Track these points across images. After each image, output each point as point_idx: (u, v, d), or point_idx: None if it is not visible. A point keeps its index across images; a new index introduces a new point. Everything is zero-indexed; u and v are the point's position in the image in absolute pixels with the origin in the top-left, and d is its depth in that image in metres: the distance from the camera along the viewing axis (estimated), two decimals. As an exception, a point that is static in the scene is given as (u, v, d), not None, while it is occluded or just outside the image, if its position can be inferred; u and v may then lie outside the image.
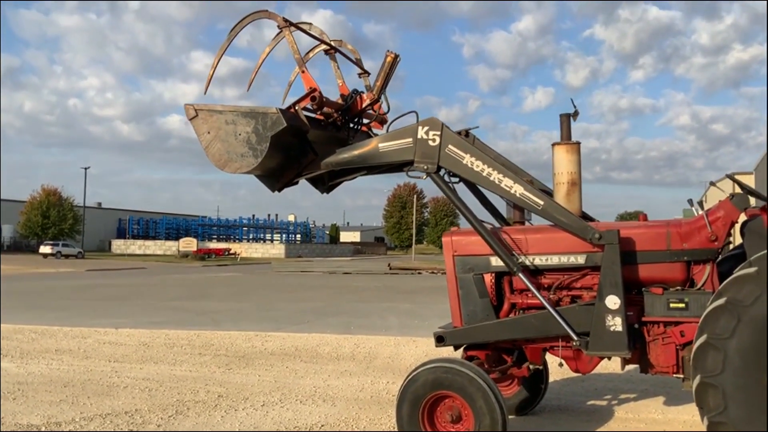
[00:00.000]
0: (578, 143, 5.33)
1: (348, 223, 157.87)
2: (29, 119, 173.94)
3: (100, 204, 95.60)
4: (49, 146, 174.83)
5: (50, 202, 72.77)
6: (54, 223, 71.56)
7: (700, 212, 4.86)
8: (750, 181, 37.29)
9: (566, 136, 5.36)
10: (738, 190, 4.92)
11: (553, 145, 5.37)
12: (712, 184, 5.57)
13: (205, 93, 5.65)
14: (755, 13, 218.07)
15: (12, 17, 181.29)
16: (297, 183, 5.79)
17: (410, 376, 4.82)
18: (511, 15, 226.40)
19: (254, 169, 5.23)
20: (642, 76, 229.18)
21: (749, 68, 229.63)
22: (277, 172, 5.59)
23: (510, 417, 5.45)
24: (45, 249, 63.87)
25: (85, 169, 78.61)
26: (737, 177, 5.30)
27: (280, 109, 5.08)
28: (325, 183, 5.81)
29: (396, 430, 4.88)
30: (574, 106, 5.36)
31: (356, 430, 5.76)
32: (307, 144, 5.40)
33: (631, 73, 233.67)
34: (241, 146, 5.14)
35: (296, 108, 5.27)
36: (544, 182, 5.64)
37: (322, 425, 5.90)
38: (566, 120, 5.37)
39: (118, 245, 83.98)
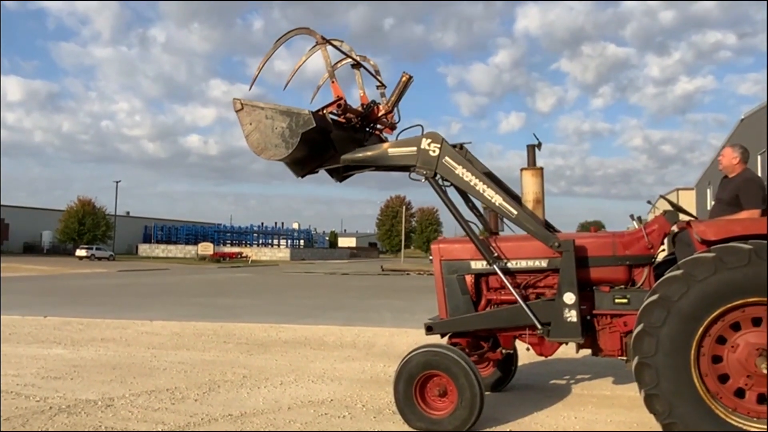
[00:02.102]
0: (541, 168, 5.66)
1: (345, 230, 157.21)
2: (67, 138, 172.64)
3: (128, 213, 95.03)
4: (84, 162, 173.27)
5: (85, 211, 72.34)
6: (89, 229, 71.13)
7: (639, 225, 5.21)
8: (691, 196, 37.71)
9: (532, 163, 5.69)
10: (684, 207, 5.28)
11: (522, 170, 5.69)
12: (662, 196, 5.86)
13: (249, 90, 5.96)
14: (699, 50, 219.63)
15: (53, 49, 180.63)
16: (317, 172, 6.02)
17: (405, 359, 5.08)
18: (489, 50, 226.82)
19: (284, 158, 5.47)
20: (601, 103, 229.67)
21: (693, 97, 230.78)
22: (302, 162, 5.82)
23: (486, 393, 5.76)
24: (81, 252, 63.33)
25: (116, 182, 78.37)
26: (668, 196, 5.66)
27: (311, 112, 5.34)
28: (340, 174, 6.09)
29: (393, 403, 5.14)
30: (538, 139, 5.71)
31: (360, 403, 6.01)
32: (329, 141, 5.64)
33: (592, 100, 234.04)
34: (276, 138, 5.38)
35: (324, 112, 5.54)
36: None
37: (331, 399, 6.14)
38: (532, 150, 5.71)
39: (144, 249, 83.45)
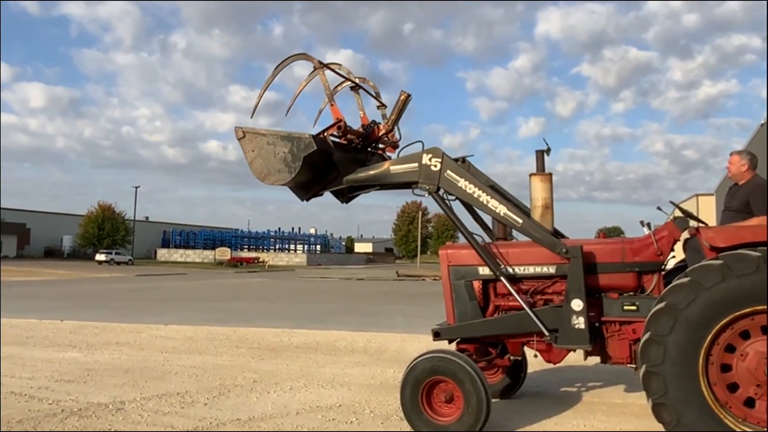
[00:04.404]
0: (550, 174, 5.62)
1: (361, 235, 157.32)
2: (88, 144, 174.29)
3: (147, 218, 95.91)
4: (105, 167, 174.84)
5: (105, 216, 73.28)
6: (108, 234, 72.03)
7: (648, 232, 5.16)
8: (711, 201, 37.20)
9: (541, 168, 5.66)
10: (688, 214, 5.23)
11: (530, 175, 5.66)
12: (672, 203, 5.80)
13: (251, 117, 6.02)
14: (723, 53, 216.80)
15: (76, 55, 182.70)
16: (322, 194, 6.09)
17: (411, 365, 5.07)
18: (509, 54, 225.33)
19: (288, 182, 5.53)
20: (623, 108, 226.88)
21: (717, 102, 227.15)
22: (306, 185, 5.89)
23: (495, 400, 5.73)
24: (100, 257, 64.29)
25: (136, 187, 79.05)
26: (687, 202, 5.62)
27: (312, 135, 5.41)
28: (345, 195, 6.15)
29: (401, 409, 5.12)
30: (547, 144, 5.68)
31: (368, 409, 6.03)
32: (332, 163, 5.70)
33: (613, 105, 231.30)
34: (278, 163, 5.46)
35: (325, 134, 5.61)
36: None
37: (340, 405, 6.15)
38: (541, 155, 5.67)
39: (163, 254, 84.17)
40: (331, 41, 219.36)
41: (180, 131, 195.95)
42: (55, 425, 5.34)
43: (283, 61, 5.84)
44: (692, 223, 5.12)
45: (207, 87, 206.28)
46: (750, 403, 4.19)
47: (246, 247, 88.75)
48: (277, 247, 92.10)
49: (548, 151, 5.70)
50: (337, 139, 5.77)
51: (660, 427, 4.37)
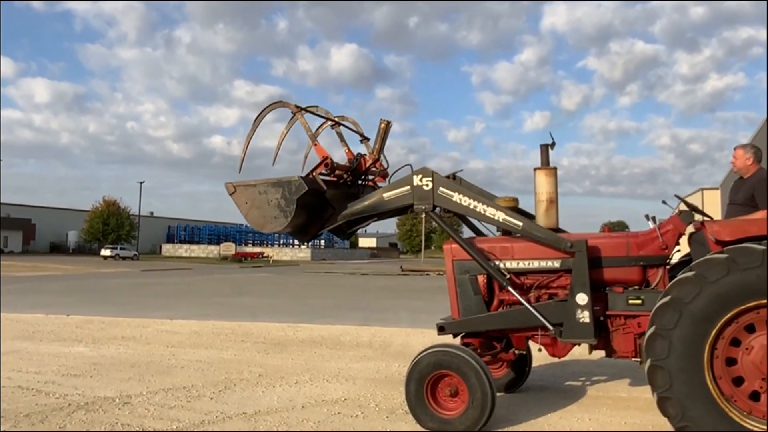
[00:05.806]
0: (555, 168, 5.61)
1: (366, 230, 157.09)
2: (93, 139, 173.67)
3: (152, 213, 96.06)
4: (110, 163, 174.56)
5: (110, 211, 73.53)
6: (113, 229, 72.29)
7: (653, 225, 5.16)
8: (716, 195, 37.10)
9: (545, 163, 5.64)
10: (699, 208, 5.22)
11: (535, 169, 5.65)
12: (677, 196, 5.79)
13: (239, 172, 6.11)
14: (730, 46, 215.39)
15: (80, 50, 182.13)
16: (322, 234, 6.19)
17: (416, 359, 5.09)
18: (514, 48, 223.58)
19: (285, 228, 5.58)
20: (628, 101, 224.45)
21: (724, 95, 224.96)
22: (304, 228, 5.94)
23: (499, 394, 5.74)
24: (105, 252, 64.55)
25: (141, 182, 79.43)
26: (692, 196, 5.61)
27: (301, 177, 5.47)
28: (344, 231, 6.18)
29: (405, 403, 5.14)
30: (552, 139, 5.67)
31: (373, 403, 6.04)
32: (325, 202, 5.78)
33: (619, 99, 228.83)
34: (273, 210, 5.52)
35: (314, 174, 5.67)
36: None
37: (345, 399, 6.18)
38: (545, 149, 5.66)
39: (168, 249, 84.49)
40: (335, 35, 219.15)
41: (184, 126, 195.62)
42: (62, 419, 5.38)
43: (261, 112, 5.96)
44: (697, 216, 5.11)
45: (211, 82, 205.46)
46: (755, 396, 4.19)
47: (250, 242, 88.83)
48: (282, 242, 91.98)
49: (553, 145, 5.69)
50: (326, 177, 5.83)
51: (665, 421, 4.38)
